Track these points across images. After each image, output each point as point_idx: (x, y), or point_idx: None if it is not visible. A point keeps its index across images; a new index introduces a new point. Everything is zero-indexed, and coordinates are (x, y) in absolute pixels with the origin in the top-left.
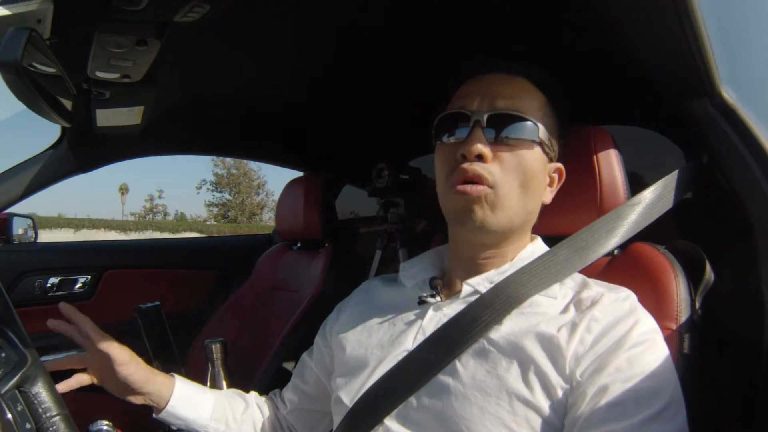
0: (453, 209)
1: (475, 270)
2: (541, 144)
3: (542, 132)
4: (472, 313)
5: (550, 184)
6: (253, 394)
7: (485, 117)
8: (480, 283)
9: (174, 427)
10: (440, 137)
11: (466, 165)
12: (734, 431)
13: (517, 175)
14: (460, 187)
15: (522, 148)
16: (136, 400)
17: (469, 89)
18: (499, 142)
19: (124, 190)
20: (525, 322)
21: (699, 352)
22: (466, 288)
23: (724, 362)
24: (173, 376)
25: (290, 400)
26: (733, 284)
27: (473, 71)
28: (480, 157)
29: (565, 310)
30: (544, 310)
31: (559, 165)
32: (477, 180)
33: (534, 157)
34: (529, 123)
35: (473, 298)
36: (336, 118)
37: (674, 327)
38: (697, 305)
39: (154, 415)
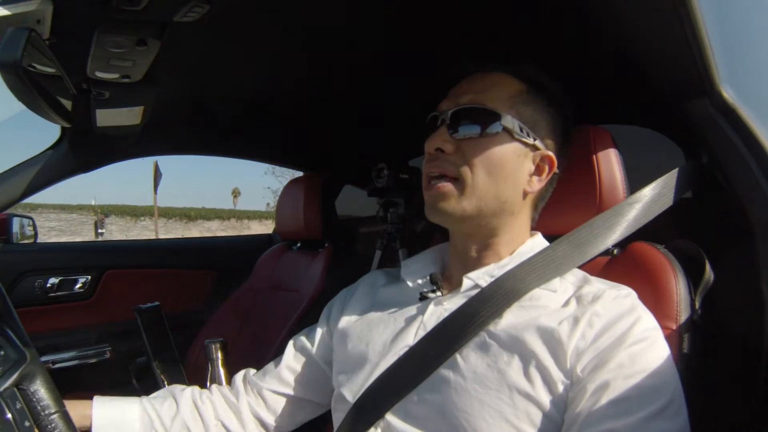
0: (425, 202)
1: (473, 264)
2: (508, 132)
3: (509, 120)
4: (472, 306)
5: (538, 174)
6: (192, 391)
7: (449, 114)
8: (480, 277)
9: None
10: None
11: (430, 161)
12: (734, 431)
13: (482, 164)
14: (428, 185)
15: (484, 138)
16: None
17: (449, 93)
18: (462, 135)
19: (236, 193)
20: (525, 315)
21: (699, 351)
22: (466, 282)
23: (724, 362)
24: (91, 399)
25: (272, 381)
26: (733, 284)
27: (462, 74)
28: (442, 152)
29: (566, 303)
30: (545, 304)
31: (548, 153)
32: (441, 172)
33: (499, 145)
34: (490, 112)
35: (474, 292)
36: (336, 118)
37: (674, 326)
38: (697, 305)
39: None
